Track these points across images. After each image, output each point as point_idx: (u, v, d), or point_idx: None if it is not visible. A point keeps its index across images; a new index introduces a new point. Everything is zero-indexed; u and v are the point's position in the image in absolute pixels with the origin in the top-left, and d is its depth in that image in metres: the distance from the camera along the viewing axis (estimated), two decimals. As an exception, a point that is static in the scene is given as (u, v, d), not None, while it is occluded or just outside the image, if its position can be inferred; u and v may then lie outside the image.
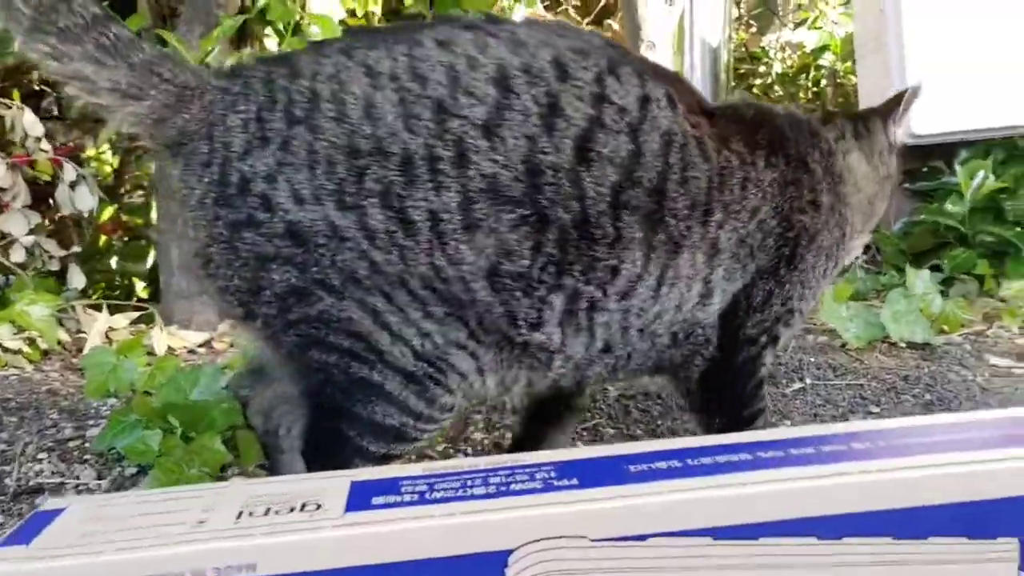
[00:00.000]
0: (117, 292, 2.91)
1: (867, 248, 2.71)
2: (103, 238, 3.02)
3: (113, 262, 2.96)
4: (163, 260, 2.22)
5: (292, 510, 0.64)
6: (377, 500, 0.66)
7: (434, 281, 0.80)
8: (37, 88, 2.92)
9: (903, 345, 1.72)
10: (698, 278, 0.90)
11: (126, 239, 3.08)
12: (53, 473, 1.21)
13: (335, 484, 0.70)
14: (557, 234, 0.81)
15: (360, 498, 0.67)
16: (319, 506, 0.65)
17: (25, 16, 0.79)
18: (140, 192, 3.29)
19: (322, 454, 0.88)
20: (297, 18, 2.19)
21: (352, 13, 2.74)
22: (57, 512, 0.65)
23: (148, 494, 0.74)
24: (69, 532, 0.61)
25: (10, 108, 2.18)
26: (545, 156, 0.79)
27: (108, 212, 2.98)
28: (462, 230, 0.78)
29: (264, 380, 1.02)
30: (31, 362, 1.79)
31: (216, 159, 0.80)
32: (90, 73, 0.81)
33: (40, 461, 1.24)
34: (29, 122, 2.18)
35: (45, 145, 2.27)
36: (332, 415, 0.86)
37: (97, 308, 2.07)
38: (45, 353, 1.85)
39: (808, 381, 1.51)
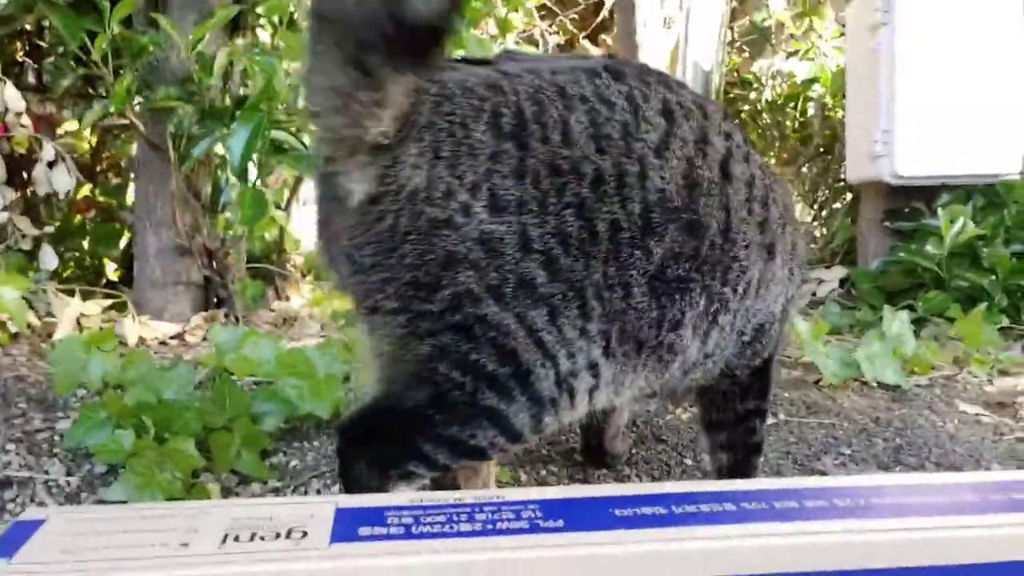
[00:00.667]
0: (87, 272, 2.85)
1: (842, 282, 2.76)
2: (77, 217, 2.96)
3: (85, 243, 2.90)
4: (139, 247, 2.19)
5: (278, 536, 0.64)
6: (363, 531, 0.65)
7: (602, 290, 0.85)
8: (19, 59, 2.85)
9: (875, 384, 1.75)
10: (779, 277, 1.03)
11: (99, 220, 3.02)
12: (21, 466, 1.18)
13: (320, 510, 0.69)
14: (711, 238, 0.91)
15: (345, 527, 0.66)
16: (305, 533, 0.64)
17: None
18: (115, 172, 3.23)
19: (374, 449, 0.86)
20: (292, 11, 2.17)
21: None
22: (37, 524, 0.64)
23: (128, 508, 0.73)
24: (50, 547, 0.60)
25: (-8, 82, 2.13)
26: (701, 173, 0.91)
27: (84, 191, 2.92)
28: (640, 236, 0.86)
29: None
30: (-1, 345, 1.75)
31: (424, 161, 0.82)
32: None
33: (8, 452, 1.21)
34: (12, 96, 2.13)
35: (25, 120, 2.23)
36: (411, 424, 0.85)
37: (69, 293, 2.03)
38: (14, 336, 1.81)
39: (782, 417, 1.52)
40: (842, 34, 3.17)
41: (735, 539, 0.65)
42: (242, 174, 1.80)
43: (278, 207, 2.56)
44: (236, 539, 0.62)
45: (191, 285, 2.18)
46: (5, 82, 2.16)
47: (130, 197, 2.77)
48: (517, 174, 0.82)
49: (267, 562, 0.59)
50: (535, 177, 0.82)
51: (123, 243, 2.77)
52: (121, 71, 1.89)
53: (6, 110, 2.14)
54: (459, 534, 0.65)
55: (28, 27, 2.56)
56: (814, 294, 2.69)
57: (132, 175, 2.69)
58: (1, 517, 1.07)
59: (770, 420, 1.50)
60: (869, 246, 2.64)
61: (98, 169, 3.23)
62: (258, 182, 1.88)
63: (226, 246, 2.17)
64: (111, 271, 2.89)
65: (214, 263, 2.17)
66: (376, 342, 0.88)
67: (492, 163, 0.82)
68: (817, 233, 3.17)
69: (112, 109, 1.83)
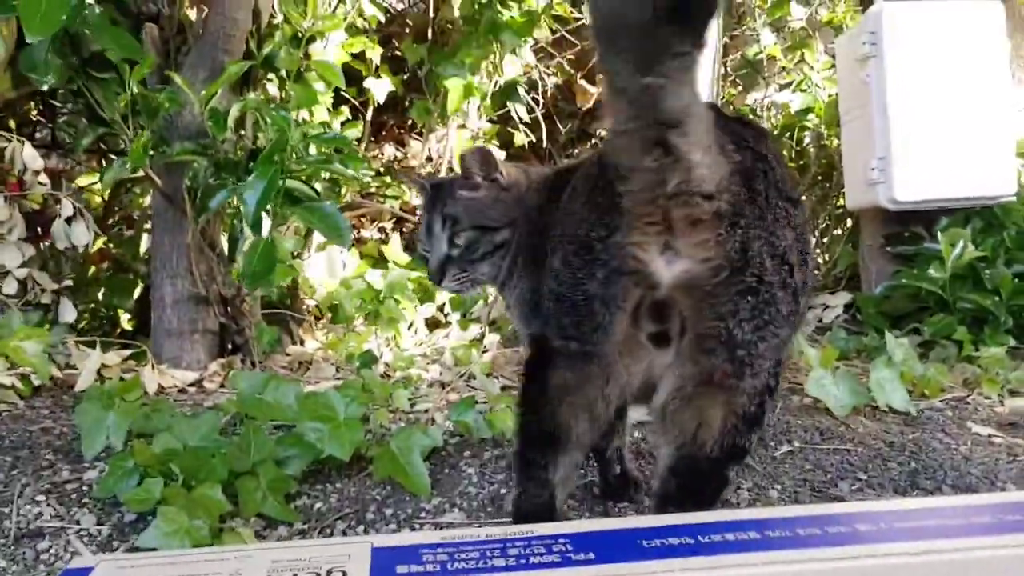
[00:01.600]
0: (102, 323, 2.89)
1: (847, 308, 2.79)
2: (91, 269, 3.00)
3: (100, 294, 2.94)
4: (156, 297, 2.23)
5: (318, 577, 0.66)
6: (400, 569, 0.68)
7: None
8: (33, 119, 2.92)
9: (885, 409, 1.76)
10: None
11: (112, 272, 3.06)
12: (52, 517, 1.20)
13: (356, 550, 0.72)
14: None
15: (383, 566, 0.68)
16: (344, 573, 0.67)
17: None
18: (127, 224, 3.27)
19: (708, 495, 0.99)
20: (300, 66, 2.24)
21: (352, 55, 2.82)
22: (86, 571, 0.66)
23: (171, 555, 0.76)
24: (101, 595, 0.62)
25: (10, 141, 2.19)
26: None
27: (97, 244, 2.97)
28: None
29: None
30: (22, 398, 1.78)
31: (763, 231, 0.89)
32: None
33: (39, 503, 1.24)
34: (29, 156, 2.19)
35: (43, 178, 2.28)
36: (732, 456, 0.97)
37: (87, 344, 2.07)
38: (36, 389, 1.84)
39: (796, 444, 1.54)
40: (833, 65, 3.23)
41: (761, 566, 0.67)
42: (256, 226, 1.84)
43: (293, 256, 2.61)
44: (279, 581, 0.65)
45: (207, 333, 2.21)
46: (24, 142, 2.21)
47: (143, 248, 2.82)
48: (801, 233, 0.95)
49: (312, 602, 0.62)
50: (803, 232, 0.96)
51: (136, 294, 2.81)
52: (139, 128, 1.94)
53: (24, 168, 2.19)
54: (493, 569, 0.67)
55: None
56: (820, 320, 2.72)
57: (145, 227, 2.74)
58: (36, 568, 1.09)
59: (784, 448, 1.52)
60: (871, 271, 2.67)
61: (110, 222, 3.29)
62: (272, 233, 1.92)
63: (242, 294, 2.20)
64: (125, 321, 2.93)
65: (229, 310, 2.20)
66: (723, 398, 0.95)
67: (792, 228, 0.92)
68: (820, 259, 3.20)
69: (129, 166, 1.87)
